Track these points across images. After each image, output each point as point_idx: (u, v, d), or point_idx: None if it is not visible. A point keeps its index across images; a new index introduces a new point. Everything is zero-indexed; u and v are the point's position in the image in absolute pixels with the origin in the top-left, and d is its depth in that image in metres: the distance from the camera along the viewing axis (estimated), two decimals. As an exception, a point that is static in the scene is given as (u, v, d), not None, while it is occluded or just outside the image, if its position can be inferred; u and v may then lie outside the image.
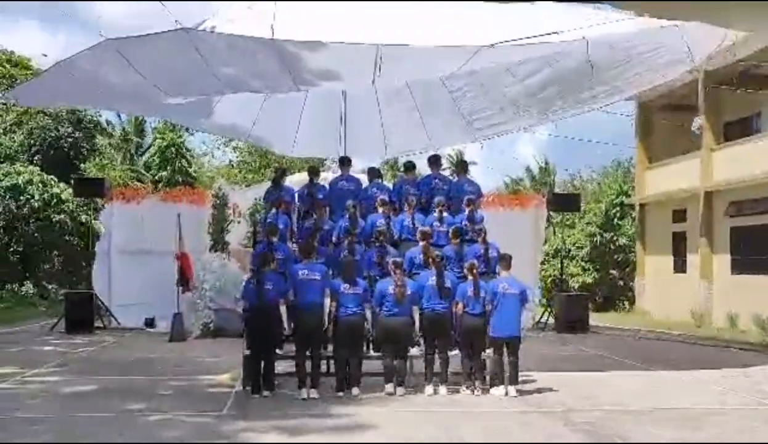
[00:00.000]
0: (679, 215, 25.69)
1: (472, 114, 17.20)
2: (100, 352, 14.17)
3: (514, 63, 13.27)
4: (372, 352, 10.32)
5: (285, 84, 13.02)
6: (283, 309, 9.70)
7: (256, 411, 8.78)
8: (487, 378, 10.10)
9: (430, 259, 10.18)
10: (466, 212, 11.68)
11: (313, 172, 13.17)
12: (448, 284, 9.93)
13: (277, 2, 10.86)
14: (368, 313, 9.81)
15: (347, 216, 11.45)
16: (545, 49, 11.74)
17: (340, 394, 9.58)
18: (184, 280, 16.54)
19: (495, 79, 14.71)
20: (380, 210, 11.62)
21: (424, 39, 10.70)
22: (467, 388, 9.90)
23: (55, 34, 77.39)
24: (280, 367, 9.90)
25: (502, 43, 10.54)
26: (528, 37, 10.72)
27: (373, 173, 13.08)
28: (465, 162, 14.18)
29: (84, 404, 9.05)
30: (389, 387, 9.70)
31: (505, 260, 10.22)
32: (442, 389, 9.84)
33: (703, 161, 23.47)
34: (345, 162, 13.27)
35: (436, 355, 10.00)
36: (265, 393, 9.52)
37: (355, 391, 9.61)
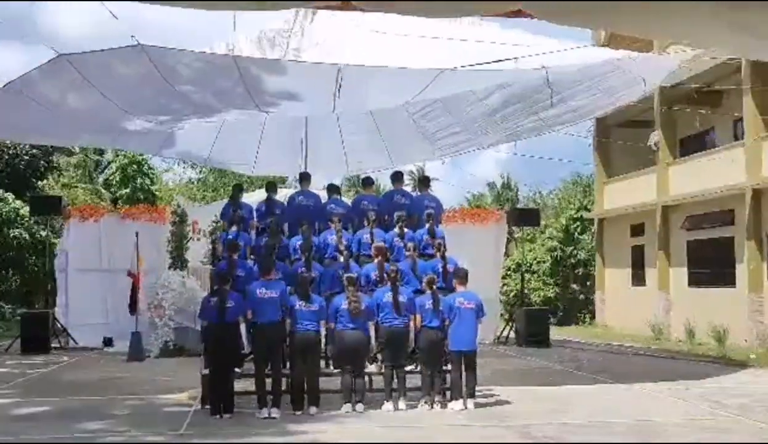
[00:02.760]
0: (637, 229, 26.02)
1: (433, 132, 17.36)
2: (57, 372, 13.92)
3: (476, 88, 13.49)
4: (332, 369, 10.27)
5: (245, 103, 13.04)
6: (242, 327, 9.64)
7: (214, 430, 8.69)
8: (447, 392, 10.12)
9: (386, 275, 10.20)
10: (427, 226, 11.72)
11: (272, 188, 13.09)
12: (403, 299, 9.92)
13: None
14: (323, 330, 9.76)
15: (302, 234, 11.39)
16: (506, 76, 11.98)
17: (299, 413, 9.48)
18: (132, 301, 16.30)
19: (456, 98, 14.85)
20: (332, 226, 11.60)
21: (385, 61, 10.85)
22: (426, 402, 9.89)
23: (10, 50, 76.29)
24: (239, 385, 9.79)
25: (464, 67, 10.71)
26: (489, 62, 10.92)
27: (333, 190, 13.05)
28: (427, 177, 14.23)
29: (39, 426, 8.88)
30: (347, 406, 9.64)
31: (461, 275, 10.26)
32: (402, 405, 9.82)
33: (660, 176, 23.82)
34: (305, 178, 13.21)
35: (395, 371, 9.97)
36: (226, 415, 9.32)
37: (312, 409, 9.52)
